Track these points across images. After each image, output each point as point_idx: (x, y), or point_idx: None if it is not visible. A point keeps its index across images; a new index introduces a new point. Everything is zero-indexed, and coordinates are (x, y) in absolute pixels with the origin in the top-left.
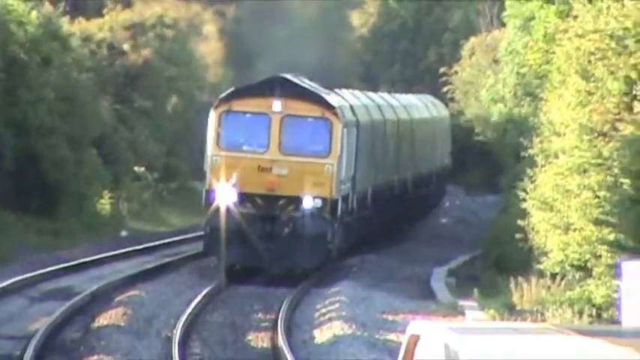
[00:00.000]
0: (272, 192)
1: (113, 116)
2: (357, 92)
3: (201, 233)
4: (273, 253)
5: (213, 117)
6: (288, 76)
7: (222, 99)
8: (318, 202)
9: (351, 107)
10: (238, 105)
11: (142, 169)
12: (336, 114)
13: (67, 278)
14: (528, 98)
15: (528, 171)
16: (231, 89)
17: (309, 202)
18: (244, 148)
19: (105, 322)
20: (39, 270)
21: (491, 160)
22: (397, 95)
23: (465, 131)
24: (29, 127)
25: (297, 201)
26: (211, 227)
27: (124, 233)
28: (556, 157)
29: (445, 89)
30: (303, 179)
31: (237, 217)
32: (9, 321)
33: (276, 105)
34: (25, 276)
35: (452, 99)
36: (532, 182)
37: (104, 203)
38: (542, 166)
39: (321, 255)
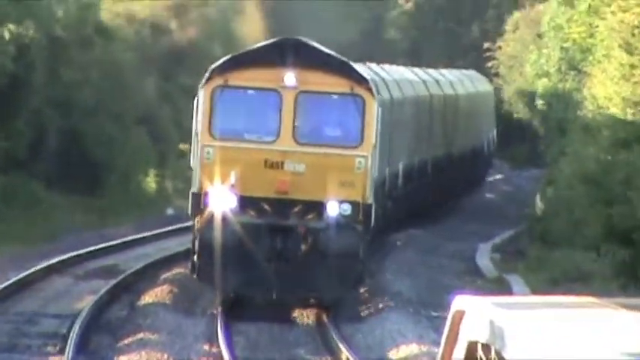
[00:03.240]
0: (284, 195)
1: (158, 94)
2: (384, 66)
3: None
4: (286, 278)
5: (203, 95)
6: (304, 40)
7: (214, 70)
8: (347, 209)
9: (393, 82)
10: (237, 78)
11: (187, 146)
12: (369, 89)
13: (113, 257)
14: (572, 73)
15: (572, 145)
16: (228, 56)
17: (334, 209)
18: (246, 136)
19: (150, 300)
20: (85, 249)
21: (536, 134)
22: (431, 70)
23: (510, 106)
24: (74, 106)
25: (318, 207)
26: (202, 244)
27: (169, 211)
28: (599, 130)
29: (489, 64)
30: (327, 178)
31: (236, 230)
32: (55, 299)
33: (289, 77)
34: (70, 255)
35: (496, 74)
36: (576, 156)
37: (150, 181)
38: (585, 140)
39: (350, 280)
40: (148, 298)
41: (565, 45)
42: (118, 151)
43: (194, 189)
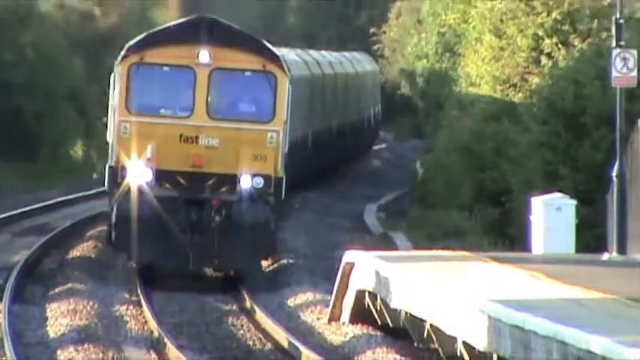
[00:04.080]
0: (199, 169)
1: (86, 74)
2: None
3: None
4: (201, 249)
5: (119, 71)
6: (218, 19)
7: (130, 48)
8: (260, 182)
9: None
10: (153, 55)
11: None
12: (281, 66)
13: (45, 216)
14: (448, 54)
15: (448, 118)
16: (143, 34)
17: (247, 182)
18: (161, 111)
19: (78, 254)
20: (20, 209)
21: (416, 108)
22: (313, 52)
23: (394, 84)
24: (12, 84)
25: (231, 180)
26: (119, 216)
27: (95, 176)
28: (472, 105)
29: (375, 47)
30: (240, 152)
31: (152, 202)
32: None
33: (203, 55)
34: (7, 214)
35: (381, 56)
36: (451, 128)
37: (77, 150)
38: (459, 113)
39: (262, 250)
40: (75, 253)
41: (442, 30)
42: (49, 124)
43: (111, 162)
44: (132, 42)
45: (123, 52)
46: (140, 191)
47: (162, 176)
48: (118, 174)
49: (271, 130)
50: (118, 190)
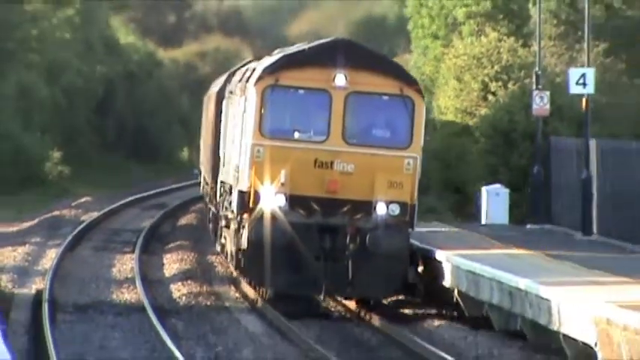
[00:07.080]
0: (333, 195)
1: (191, 105)
2: None
3: None
4: (334, 277)
5: (253, 93)
6: (355, 41)
7: (266, 69)
8: (395, 209)
9: None
10: (288, 78)
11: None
12: (419, 91)
13: (162, 197)
14: (426, 93)
15: (427, 136)
16: (279, 56)
17: (383, 209)
18: (296, 136)
19: (184, 222)
20: (146, 192)
21: None
22: None
23: None
24: (141, 112)
25: (366, 207)
26: (252, 242)
27: (195, 171)
28: (442, 127)
29: None
30: (376, 178)
31: (286, 229)
32: (129, 222)
33: (340, 78)
34: (138, 196)
35: None
36: (429, 142)
37: (184, 154)
38: (434, 132)
39: (397, 280)
40: (183, 221)
41: (422, 77)
42: (165, 138)
43: (242, 187)
44: (266, 63)
45: (257, 74)
46: (273, 217)
47: (295, 202)
48: (249, 199)
49: (408, 156)
50: (249, 215)
